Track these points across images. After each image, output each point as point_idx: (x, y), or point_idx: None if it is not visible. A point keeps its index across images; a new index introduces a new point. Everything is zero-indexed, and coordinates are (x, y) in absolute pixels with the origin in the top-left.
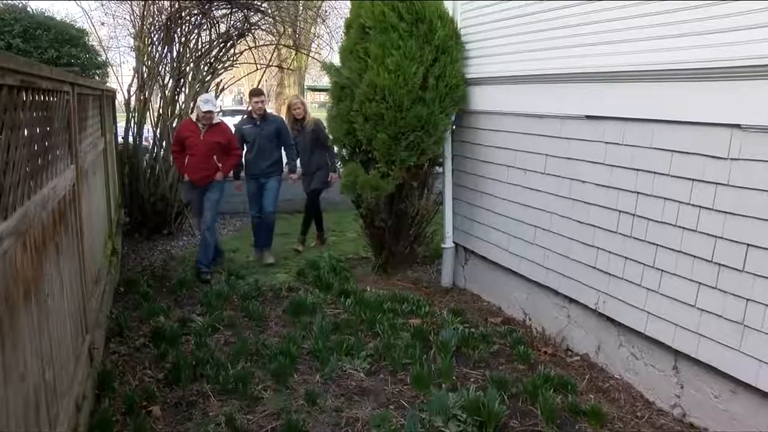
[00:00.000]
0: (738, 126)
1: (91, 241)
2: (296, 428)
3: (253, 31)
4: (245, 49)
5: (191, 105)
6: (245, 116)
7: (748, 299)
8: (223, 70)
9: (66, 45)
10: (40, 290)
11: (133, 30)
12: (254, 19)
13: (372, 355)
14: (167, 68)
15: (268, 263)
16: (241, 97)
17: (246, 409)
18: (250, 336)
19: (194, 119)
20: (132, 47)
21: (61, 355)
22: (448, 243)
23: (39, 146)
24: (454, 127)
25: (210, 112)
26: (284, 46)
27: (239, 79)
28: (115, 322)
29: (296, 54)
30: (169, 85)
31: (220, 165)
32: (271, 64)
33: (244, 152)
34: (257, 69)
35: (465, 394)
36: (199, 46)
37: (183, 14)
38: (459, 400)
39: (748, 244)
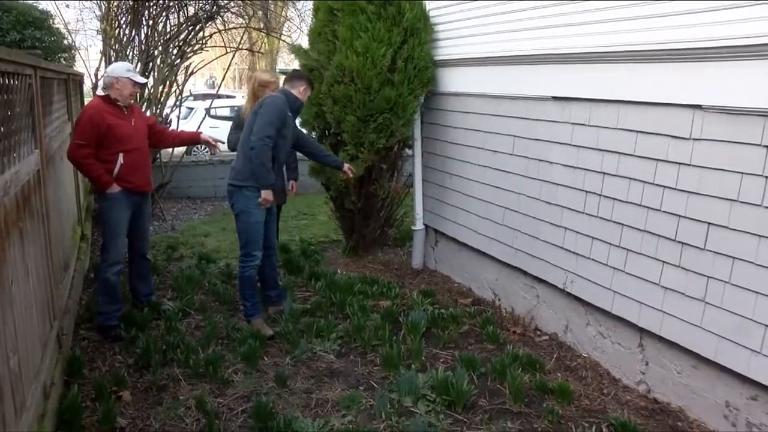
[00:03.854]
0: (699, 107)
1: (59, 226)
2: (266, 410)
3: (222, 13)
4: (214, 32)
5: (160, 89)
6: (282, 99)
7: (709, 277)
8: (192, 54)
9: (29, 27)
10: (4, 276)
11: (100, 12)
12: (223, 1)
13: (342, 337)
14: (135, 51)
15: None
16: (213, 81)
17: (216, 392)
18: (221, 320)
19: (111, 98)
20: (99, 30)
21: (27, 342)
22: (419, 225)
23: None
24: (423, 110)
25: (141, 86)
26: (254, 29)
27: (208, 63)
28: (85, 308)
29: (267, 37)
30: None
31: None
32: (240, 47)
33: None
34: (227, 52)
35: (434, 374)
36: (168, 29)
37: None
38: (428, 380)
39: (709, 223)
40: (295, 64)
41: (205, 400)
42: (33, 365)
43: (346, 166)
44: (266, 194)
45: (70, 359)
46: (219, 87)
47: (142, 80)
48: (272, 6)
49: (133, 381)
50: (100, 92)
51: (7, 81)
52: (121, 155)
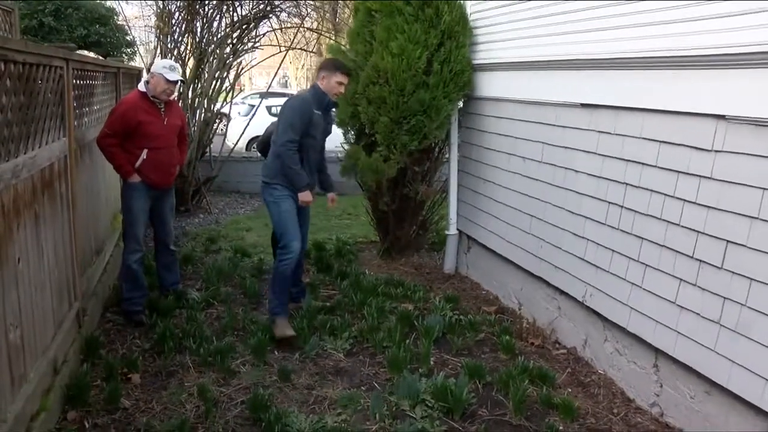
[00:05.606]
0: (723, 117)
1: (91, 212)
2: (261, 402)
3: (277, 13)
4: (269, 31)
5: (212, 84)
6: (307, 97)
7: (725, 298)
8: (244, 53)
9: (95, 24)
10: (10, 254)
11: (157, 9)
12: (277, 1)
13: (355, 337)
14: (189, 48)
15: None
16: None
17: (221, 381)
18: (241, 312)
19: (149, 95)
20: (153, 26)
21: (35, 319)
22: (452, 230)
23: (13, 116)
24: (462, 114)
25: (175, 83)
26: (308, 29)
27: (260, 62)
28: (114, 292)
29: (335, 37)
30: (190, 64)
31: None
32: (293, 47)
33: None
34: (279, 51)
35: (436, 380)
36: (223, 26)
37: None
38: (430, 385)
39: (727, 241)
40: None
41: (208, 388)
42: (41, 341)
43: (330, 196)
44: (303, 196)
45: (88, 339)
46: (270, 85)
47: (175, 78)
48: (337, 7)
49: (145, 365)
50: (141, 86)
51: (26, 71)
52: (145, 151)
